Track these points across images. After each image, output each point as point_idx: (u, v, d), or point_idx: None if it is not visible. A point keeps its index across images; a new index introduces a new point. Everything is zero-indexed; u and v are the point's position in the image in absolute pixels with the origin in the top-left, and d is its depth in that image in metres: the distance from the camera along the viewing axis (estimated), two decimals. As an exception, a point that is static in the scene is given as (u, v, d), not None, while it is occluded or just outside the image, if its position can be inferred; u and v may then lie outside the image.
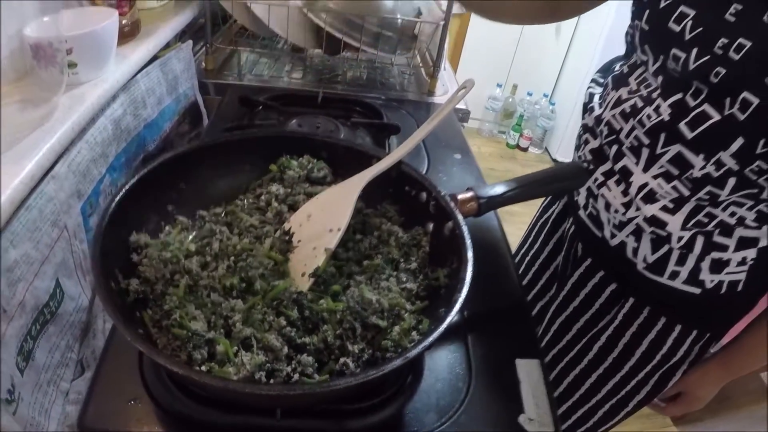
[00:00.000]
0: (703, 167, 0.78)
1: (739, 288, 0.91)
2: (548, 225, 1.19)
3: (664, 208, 0.85)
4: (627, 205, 0.89)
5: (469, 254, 0.63)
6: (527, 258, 1.24)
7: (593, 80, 1.06)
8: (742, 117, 0.72)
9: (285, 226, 0.74)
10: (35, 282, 0.73)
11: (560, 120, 4.12)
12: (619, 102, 0.90)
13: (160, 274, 0.63)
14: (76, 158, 0.85)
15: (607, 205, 0.94)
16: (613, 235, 0.96)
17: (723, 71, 0.71)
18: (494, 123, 4.42)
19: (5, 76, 0.87)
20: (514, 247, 1.28)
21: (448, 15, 1.36)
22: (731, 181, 0.78)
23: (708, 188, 0.80)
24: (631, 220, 0.90)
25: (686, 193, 0.82)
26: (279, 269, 0.68)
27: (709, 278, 0.90)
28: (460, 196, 0.77)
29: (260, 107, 1.22)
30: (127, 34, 1.12)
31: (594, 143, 0.96)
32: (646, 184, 0.85)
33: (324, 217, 0.72)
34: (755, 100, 0.69)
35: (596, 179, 0.94)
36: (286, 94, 1.28)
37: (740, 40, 0.69)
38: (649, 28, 0.83)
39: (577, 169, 0.91)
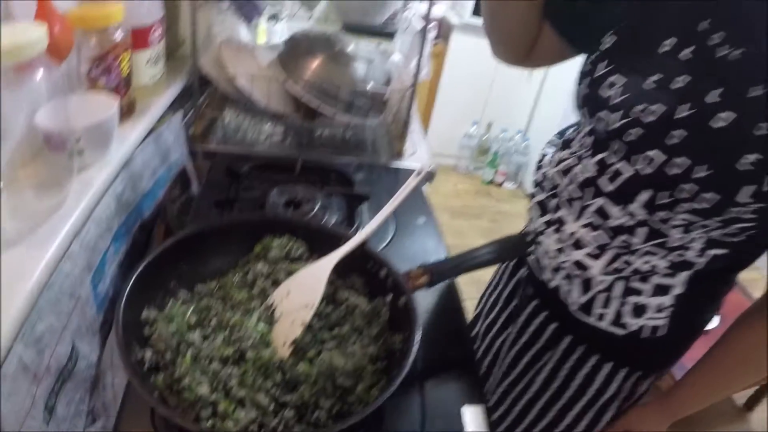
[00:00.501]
0: (619, 217, 0.93)
1: (662, 333, 1.03)
2: (509, 269, 1.35)
3: (588, 255, 0.99)
4: (560, 251, 1.04)
5: (417, 326, 0.80)
6: (491, 299, 1.40)
7: (549, 142, 1.22)
8: (649, 171, 0.86)
9: (269, 301, 0.91)
10: (57, 348, 0.86)
11: (534, 155, 4.29)
12: (561, 161, 1.06)
13: (169, 344, 0.79)
14: (86, 237, 0.98)
15: (546, 251, 1.09)
16: (550, 279, 1.10)
17: (640, 132, 0.86)
18: (470, 159, 4.63)
19: (21, 159, 1.01)
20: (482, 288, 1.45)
21: (415, 81, 1.54)
22: (642, 231, 0.92)
23: (624, 237, 0.94)
24: (563, 264, 1.05)
25: (606, 240, 0.96)
26: (264, 339, 0.84)
27: (631, 321, 1.03)
28: (412, 273, 0.95)
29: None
30: (125, 113, 1.25)
31: (540, 196, 1.11)
32: (575, 233, 1.00)
33: (300, 294, 0.88)
34: (662, 157, 0.84)
35: (538, 228, 1.10)
36: (267, 163, 1.44)
37: (655, 106, 0.84)
38: (587, 93, 0.97)
39: (518, 241, 1.08)
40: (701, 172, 0.80)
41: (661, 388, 1.17)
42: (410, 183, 0.97)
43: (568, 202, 1.01)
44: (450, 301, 1.15)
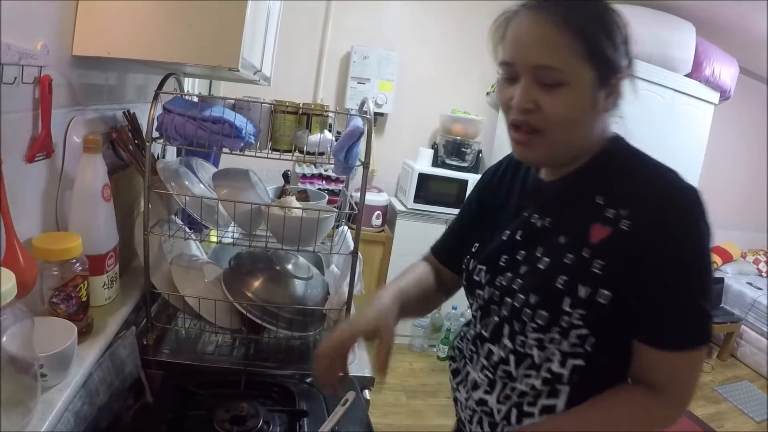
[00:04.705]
0: (496, 353, 1.25)
1: None
2: None
3: (485, 391, 1.27)
4: (467, 398, 1.32)
5: None
6: None
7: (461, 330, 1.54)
8: (506, 313, 1.21)
9: None
10: None
11: (485, 333, 4.51)
12: (462, 333, 1.41)
13: None
14: (48, 453, 1.08)
15: (461, 404, 1.36)
16: (469, 428, 1.33)
17: (498, 293, 1.24)
18: (424, 338, 4.79)
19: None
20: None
21: (349, 300, 1.75)
22: (512, 358, 1.22)
23: (502, 367, 1.24)
24: (472, 407, 1.30)
25: (492, 375, 1.26)
26: None
27: None
28: None
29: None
30: (83, 334, 1.39)
31: (453, 365, 1.43)
32: (474, 378, 1.30)
33: None
34: (510, 301, 1.20)
35: (454, 388, 1.40)
36: (214, 379, 1.58)
37: (506, 273, 1.24)
38: (467, 283, 1.38)
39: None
40: (533, 299, 1.15)
41: None
42: (338, 411, 1.12)
43: (469, 359, 1.34)
44: None
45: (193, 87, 3.10)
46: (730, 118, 5.71)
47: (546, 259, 1.17)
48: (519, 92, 1.11)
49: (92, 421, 1.33)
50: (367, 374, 1.77)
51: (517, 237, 1.26)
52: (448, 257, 1.55)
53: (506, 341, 1.22)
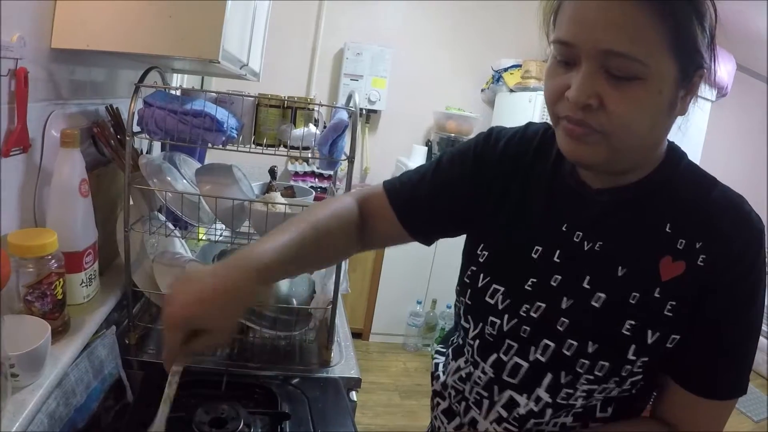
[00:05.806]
0: (526, 405, 1.05)
1: None
2: None
3: None
4: None
5: None
6: None
7: (437, 351, 1.35)
8: (545, 359, 1.01)
9: None
10: None
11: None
12: (458, 369, 1.19)
13: None
14: (18, 456, 1.04)
15: None
16: None
17: (528, 328, 1.03)
18: (418, 337, 4.77)
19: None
20: None
21: (335, 299, 1.71)
22: (548, 411, 1.04)
23: (532, 421, 1.05)
24: None
25: (514, 429, 1.07)
26: None
27: None
28: None
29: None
30: (59, 333, 1.35)
31: (444, 404, 1.22)
32: (487, 429, 1.10)
33: None
34: (552, 344, 1.01)
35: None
36: (196, 380, 1.54)
37: (537, 303, 1.03)
38: (471, 303, 1.13)
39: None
40: (592, 347, 0.97)
41: None
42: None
43: (476, 404, 1.13)
44: None
45: (182, 83, 3.08)
46: (727, 115, 5.68)
47: (601, 295, 0.99)
48: (578, 81, 0.86)
49: (68, 422, 1.30)
50: (354, 375, 1.73)
51: (555, 259, 1.05)
52: (409, 211, 1.25)
53: (543, 393, 1.04)
